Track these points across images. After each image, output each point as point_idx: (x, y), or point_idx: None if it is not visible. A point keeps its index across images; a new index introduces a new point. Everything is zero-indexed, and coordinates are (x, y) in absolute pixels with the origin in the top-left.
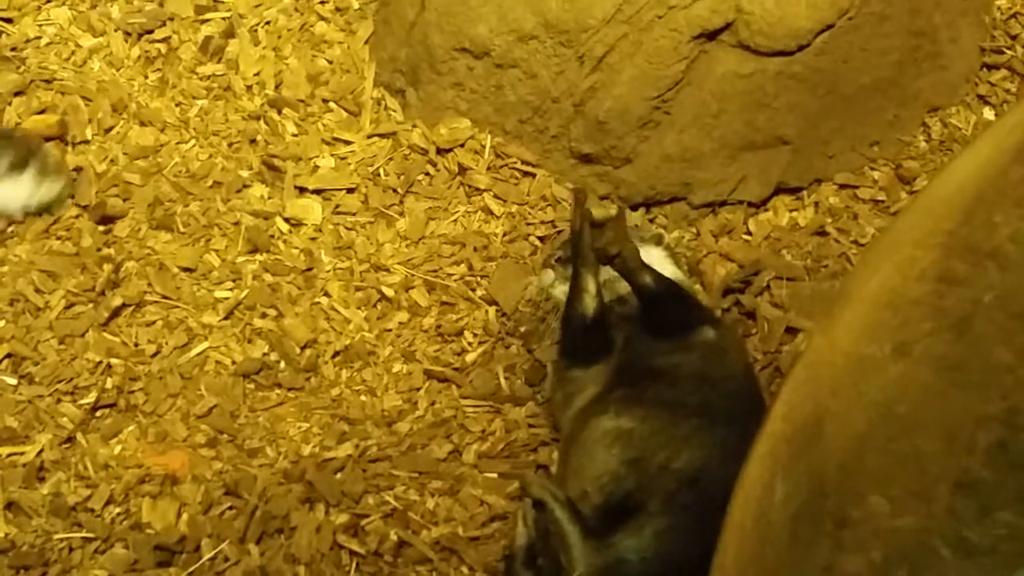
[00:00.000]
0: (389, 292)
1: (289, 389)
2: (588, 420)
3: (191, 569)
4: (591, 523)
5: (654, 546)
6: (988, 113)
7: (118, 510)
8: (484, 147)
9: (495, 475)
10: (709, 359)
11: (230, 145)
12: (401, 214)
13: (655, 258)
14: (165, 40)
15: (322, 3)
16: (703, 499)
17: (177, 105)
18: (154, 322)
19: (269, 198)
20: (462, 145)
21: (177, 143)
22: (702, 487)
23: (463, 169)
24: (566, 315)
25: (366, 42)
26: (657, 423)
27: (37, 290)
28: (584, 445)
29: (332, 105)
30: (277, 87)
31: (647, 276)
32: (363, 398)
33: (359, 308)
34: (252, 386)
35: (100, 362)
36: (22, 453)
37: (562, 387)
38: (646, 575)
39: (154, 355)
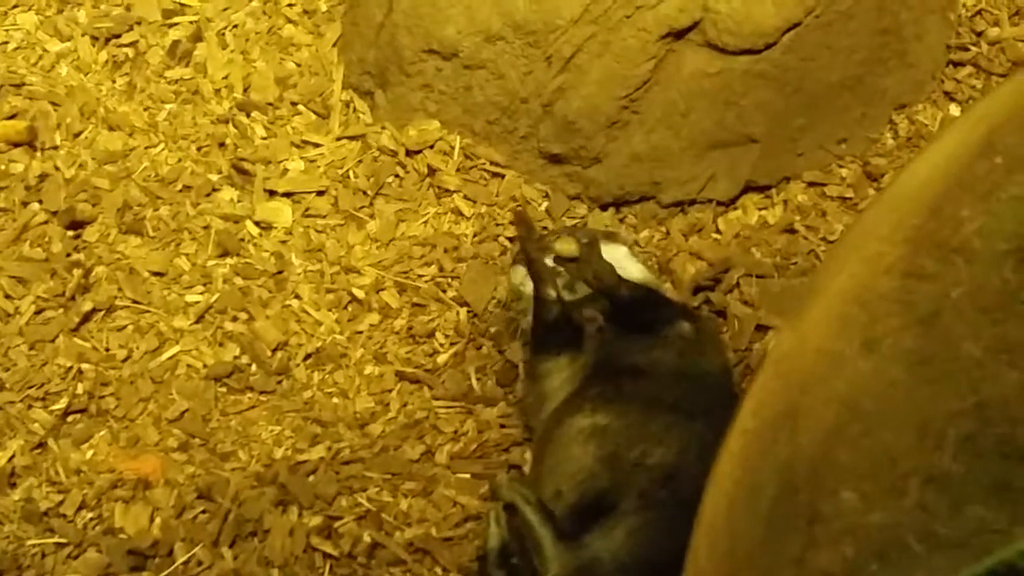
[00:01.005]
0: (360, 294)
1: (261, 392)
2: (563, 418)
3: (165, 573)
4: (563, 524)
5: (628, 545)
6: (954, 110)
7: (90, 515)
8: (453, 148)
9: (468, 475)
10: (686, 354)
11: (199, 149)
12: (371, 216)
13: (620, 256)
14: (132, 44)
15: (290, 6)
16: (678, 496)
17: (145, 109)
18: (125, 327)
19: (239, 202)
20: (431, 147)
21: (146, 147)
22: (676, 484)
23: (432, 171)
24: (534, 313)
25: (334, 44)
26: (632, 418)
27: (7, 296)
28: (559, 443)
29: (301, 108)
30: (245, 90)
31: (624, 290)
32: (335, 400)
33: (330, 310)
34: (224, 390)
35: (71, 367)
36: None
37: (534, 387)
38: (620, 574)
39: (125, 360)
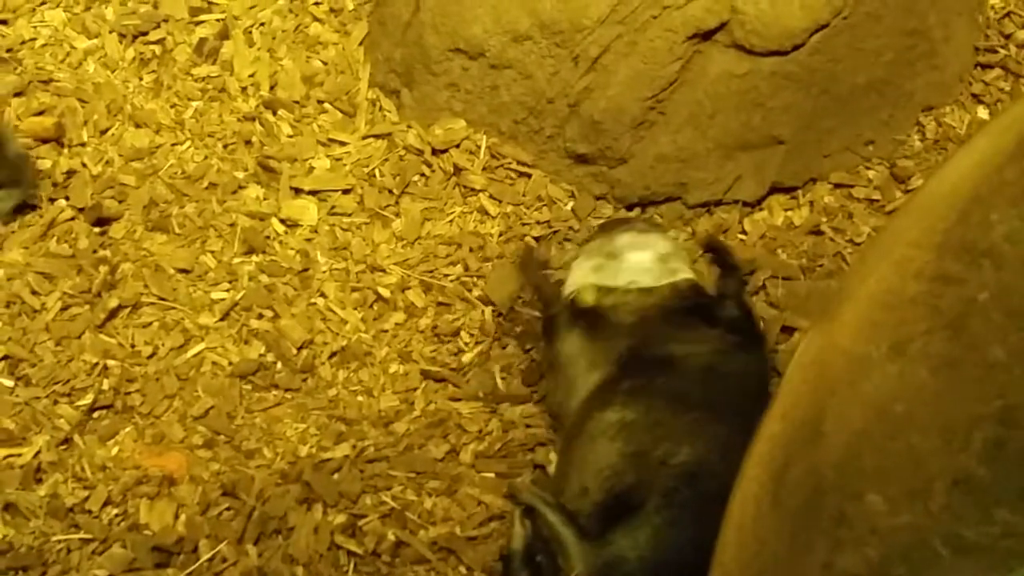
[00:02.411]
0: (385, 293)
1: (286, 390)
2: (592, 412)
3: (189, 570)
4: (588, 521)
5: (652, 544)
6: (982, 112)
7: (116, 511)
8: (479, 148)
9: (492, 475)
10: (723, 353)
11: (225, 146)
12: (397, 215)
13: (667, 253)
14: (159, 42)
15: (316, 4)
16: (701, 495)
17: (172, 107)
18: (150, 323)
19: (265, 199)
20: (457, 146)
21: (172, 145)
22: (701, 483)
23: (458, 170)
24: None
25: (361, 43)
26: (660, 415)
27: (33, 292)
28: (587, 437)
29: (327, 106)
30: (272, 88)
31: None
32: (360, 398)
33: (355, 309)
34: (249, 387)
35: (97, 363)
36: (19, 455)
37: (564, 373)
38: (644, 573)
39: (151, 356)
